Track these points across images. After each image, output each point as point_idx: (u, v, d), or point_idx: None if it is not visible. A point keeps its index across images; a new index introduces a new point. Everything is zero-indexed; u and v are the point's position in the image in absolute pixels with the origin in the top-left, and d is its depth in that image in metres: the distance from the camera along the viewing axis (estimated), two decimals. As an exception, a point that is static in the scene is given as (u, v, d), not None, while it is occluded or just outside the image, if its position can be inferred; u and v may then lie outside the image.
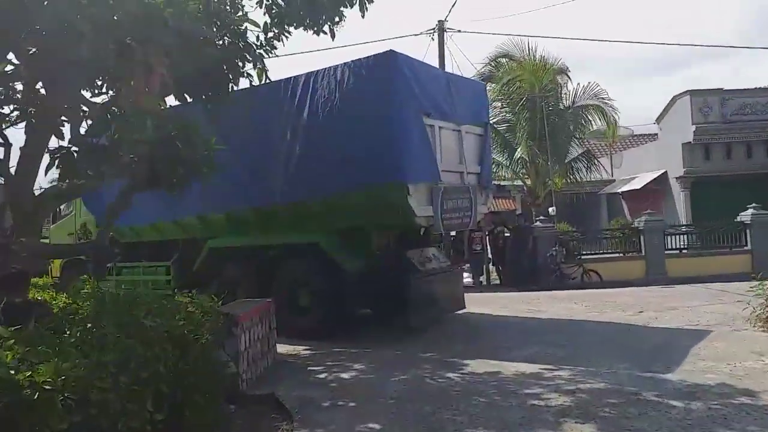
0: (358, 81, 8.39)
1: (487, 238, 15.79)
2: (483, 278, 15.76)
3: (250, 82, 7.22)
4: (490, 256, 16.05)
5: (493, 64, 20.20)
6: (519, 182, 20.62)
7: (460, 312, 10.13)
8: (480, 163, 10.04)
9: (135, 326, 4.01)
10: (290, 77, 9.23)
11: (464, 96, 9.67)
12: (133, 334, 3.90)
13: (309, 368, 7.33)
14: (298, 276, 9.30)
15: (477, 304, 11.53)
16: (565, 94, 19.85)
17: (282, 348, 8.48)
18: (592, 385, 5.80)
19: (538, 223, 15.99)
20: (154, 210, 10.97)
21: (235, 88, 7.21)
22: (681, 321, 9.11)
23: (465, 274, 12.66)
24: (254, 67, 6.83)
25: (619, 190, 26.28)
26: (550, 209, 17.64)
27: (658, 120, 24.67)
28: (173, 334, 4.29)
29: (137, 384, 3.56)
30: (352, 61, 8.53)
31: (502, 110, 19.99)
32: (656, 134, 27.11)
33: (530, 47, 19.29)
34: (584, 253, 16.18)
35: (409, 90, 8.27)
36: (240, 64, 6.67)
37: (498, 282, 15.92)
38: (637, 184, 24.62)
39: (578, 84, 19.71)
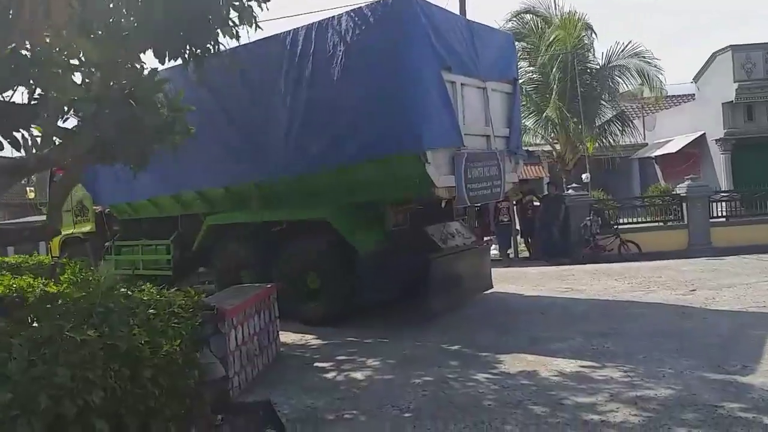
0: (366, 31, 7.22)
1: (515, 207, 14.61)
2: (511, 251, 14.63)
3: (237, 37, 6.14)
4: (518, 227, 14.89)
5: (517, 20, 18.68)
6: (546, 147, 19.23)
7: (487, 292, 9.09)
8: (508, 125, 8.83)
9: (59, 343, 3.02)
10: (289, 31, 8.09)
11: (489, 48, 8.43)
12: (54, 354, 2.92)
13: (316, 364, 6.37)
14: (305, 257, 8.29)
15: (505, 280, 10.46)
16: (601, 53, 18.34)
17: (289, 337, 7.54)
18: (656, 392, 4.71)
19: (570, 191, 14.74)
20: (151, 184, 10.04)
21: (222, 43, 6.17)
22: (744, 302, 7.93)
23: (491, 247, 11.49)
24: (241, 22, 5.77)
25: (653, 155, 24.77)
26: (584, 176, 16.33)
27: (696, 78, 23.00)
28: (120, 349, 3.30)
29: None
30: (358, 7, 7.36)
31: (528, 70, 18.53)
32: (692, 95, 25.52)
33: (556, 2, 17.78)
34: (621, 222, 14.92)
35: (426, 40, 7.08)
36: (225, 13, 5.60)
37: (527, 255, 14.80)
38: (672, 148, 23.10)
39: (616, 42, 18.11)
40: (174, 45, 5.63)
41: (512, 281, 10.76)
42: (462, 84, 7.77)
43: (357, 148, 7.40)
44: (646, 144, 26.26)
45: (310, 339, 7.56)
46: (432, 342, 6.84)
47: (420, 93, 7.01)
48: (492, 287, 9.09)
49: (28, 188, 13.54)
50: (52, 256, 13.35)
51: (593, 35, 17.98)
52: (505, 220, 13.99)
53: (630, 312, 7.77)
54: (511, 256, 14.56)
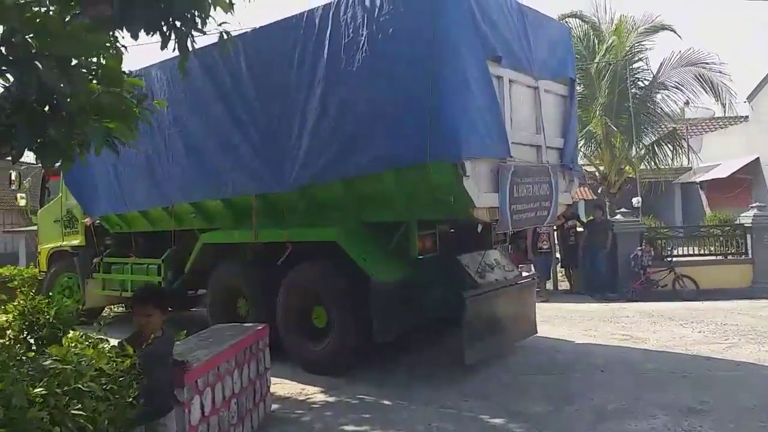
0: (396, 10, 5.78)
1: (555, 233, 12.96)
2: (550, 283, 12.96)
3: (231, 5, 4.76)
4: (558, 255, 13.22)
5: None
6: (588, 167, 17.51)
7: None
8: (563, 134, 7.26)
9: None
10: (302, 13, 6.69)
11: (543, 40, 6.91)
12: None
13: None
14: (310, 287, 6.80)
15: (548, 320, 8.85)
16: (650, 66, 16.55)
17: (286, 387, 6.12)
18: None
19: (618, 216, 13.05)
20: (143, 194, 8.75)
21: (212, 16, 4.81)
22: None
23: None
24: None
25: (698, 180, 22.89)
26: (634, 200, 14.60)
27: (750, 98, 21.24)
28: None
29: None
30: (386, -20, 5.92)
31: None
32: (744, 116, 23.68)
33: (607, 8, 16.15)
34: (675, 254, 13.16)
35: (470, 20, 5.61)
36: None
37: (567, 288, 13.10)
38: (721, 173, 21.23)
39: (672, 52, 16.29)
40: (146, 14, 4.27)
41: (556, 322, 9.13)
42: (511, 80, 6.26)
43: (375, 155, 5.93)
44: (690, 168, 24.35)
45: (313, 393, 6.05)
46: (467, 409, 5.28)
47: (460, 87, 5.52)
48: (536, 332, 7.48)
49: (18, 195, 12.36)
50: (39, 270, 12.12)
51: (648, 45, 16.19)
52: (545, 247, 12.32)
53: (717, 376, 6.10)
54: (550, 288, 12.88)
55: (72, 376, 2.64)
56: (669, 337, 7.90)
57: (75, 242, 10.60)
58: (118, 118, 3.06)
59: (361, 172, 6.13)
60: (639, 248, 12.16)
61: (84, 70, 2.94)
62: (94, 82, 3.06)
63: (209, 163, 7.63)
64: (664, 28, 15.39)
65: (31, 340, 5.40)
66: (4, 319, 5.70)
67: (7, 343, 5.29)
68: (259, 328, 5.22)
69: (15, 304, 5.66)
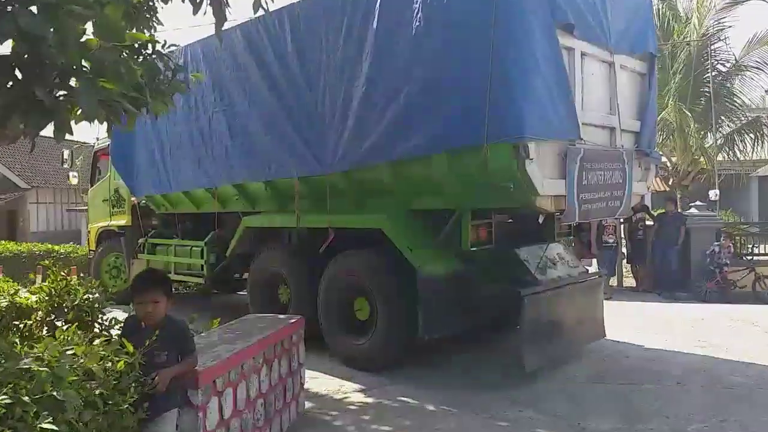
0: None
1: (622, 226, 12.03)
2: (614, 279, 12.07)
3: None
4: (624, 250, 12.28)
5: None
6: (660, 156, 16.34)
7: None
8: (640, 116, 6.49)
9: None
10: (352, -22, 6.14)
11: (621, 9, 6.14)
12: None
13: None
14: (353, 276, 6.31)
15: (615, 321, 8.02)
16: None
17: (323, 384, 5.67)
18: None
19: (693, 210, 12.00)
20: (187, 174, 8.47)
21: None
22: None
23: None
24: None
25: (780, 173, 21.21)
26: (712, 192, 13.41)
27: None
28: None
29: None
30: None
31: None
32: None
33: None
34: (756, 253, 12.02)
35: (537, -17, 4.94)
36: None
37: (633, 285, 12.16)
38: (807, 166, 19.60)
39: (754, 33, 14.86)
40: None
41: (624, 323, 8.32)
42: (583, 53, 5.55)
43: (426, 136, 5.35)
44: (768, 160, 22.55)
45: (351, 392, 5.57)
46: (523, 421, 4.68)
47: (524, 58, 4.86)
48: (604, 335, 6.75)
49: (70, 174, 12.38)
50: (89, 249, 12.14)
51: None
52: (610, 241, 11.41)
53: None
54: (614, 285, 12.00)
55: (48, 381, 2.21)
56: (752, 345, 7.02)
57: (122, 222, 10.48)
58: (118, 80, 2.59)
59: (409, 155, 5.56)
60: (716, 244, 11.13)
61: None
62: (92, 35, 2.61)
63: (252, 143, 7.23)
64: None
65: (59, 323, 5.14)
66: (34, 299, 5.43)
67: (33, 325, 5.06)
68: (293, 320, 4.76)
69: (44, 284, 5.42)
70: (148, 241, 9.87)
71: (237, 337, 4.11)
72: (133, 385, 2.71)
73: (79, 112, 4.16)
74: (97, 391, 2.46)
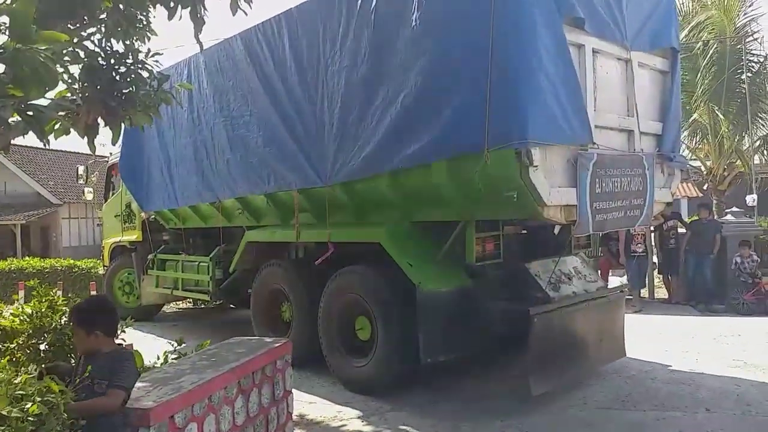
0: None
1: (653, 235, 11.40)
2: (645, 291, 11.43)
3: None
4: (655, 260, 11.63)
5: None
6: (693, 161, 15.59)
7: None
8: (662, 117, 6.00)
9: None
10: (349, -20, 5.83)
11: (640, 3, 5.68)
12: None
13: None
14: (353, 293, 5.94)
15: (641, 336, 7.53)
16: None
17: (320, 409, 5.29)
18: None
19: (729, 217, 11.30)
20: (193, 188, 8.27)
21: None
22: None
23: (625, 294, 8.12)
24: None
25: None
26: (749, 198, 12.64)
27: None
28: None
29: None
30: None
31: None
32: None
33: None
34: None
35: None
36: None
37: (665, 297, 11.49)
38: None
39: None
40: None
41: (651, 338, 7.78)
42: (594, 50, 5.11)
43: (424, 143, 4.97)
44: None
45: (349, 418, 5.20)
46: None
47: (526, 56, 4.46)
48: (624, 355, 6.25)
49: (85, 189, 12.36)
50: (103, 265, 12.06)
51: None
52: (639, 250, 10.79)
53: None
54: (645, 297, 11.37)
55: None
56: (794, 365, 6.42)
57: (133, 237, 10.34)
58: (37, 86, 2.29)
59: (408, 164, 5.20)
60: (737, 254, 10.40)
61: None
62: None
63: (251, 156, 6.97)
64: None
65: (42, 347, 4.90)
66: (18, 321, 5.19)
67: (15, 349, 4.83)
68: (278, 345, 4.41)
69: (26, 305, 5.20)
70: (157, 257, 9.70)
71: (210, 365, 3.78)
72: (58, 429, 2.39)
73: (57, 125, 3.93)
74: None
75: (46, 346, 4.78)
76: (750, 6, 13.74)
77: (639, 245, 10.70)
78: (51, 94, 3.23)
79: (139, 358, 4.13)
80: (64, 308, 5.03)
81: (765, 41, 14.34)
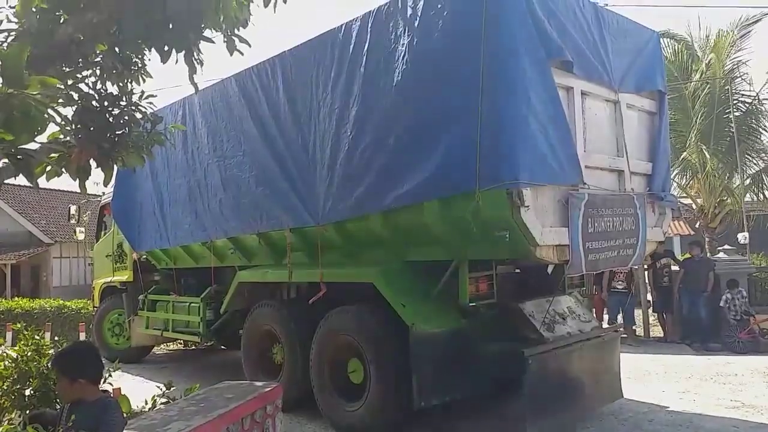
0: (441, 11, 4.90)
1: (646, 273, 11.39)
2: (641, 330, 11.34)
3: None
4: (649, 299, 11.60)
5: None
6: (684, 198, 15.71)
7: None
8: (651, 157, 6.06)
9: None
10: (340, 25, 5.94)
11: (626, 46, 5.80)
12: None
13: None
14: (345, 334, 5.87)
15: (637, 376, 7.45)
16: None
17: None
18: None
19: (721, 254, 11.34)
20: (185, 228, 8.23)
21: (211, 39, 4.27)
22: None
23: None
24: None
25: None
26: (741, 235, 12.72)
27: None
28: None
29: None
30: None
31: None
32: None
33: (700, 24, 14.57)
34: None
35: (527, 18, 4.61)
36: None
37: (661, 335, 11.41)
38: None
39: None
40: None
41: (646, 378, 7.71)
42: (583, 93, 5.20)
43: (415, 184, 5.00)
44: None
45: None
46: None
47: (515, 98, 4.52)
48: (622, 396, 6.17)
49: (77, 229, 12.28)
50: (93, 306, 11.91)
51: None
52: (620, 287, 10.73)
53: None
54: (641, 336, 11.28)
55: None
56: (792, 407, 6.35)
57: (124, 278, 10.24)
58: (22, 130, 2.29)
59: (399, 204, 5.20)
60: (727, 292, 10.37)
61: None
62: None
63: (244, 195, 6.98)
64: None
65: (27, 392, 4.79)
66: (3, 366, 5.08)
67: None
68: (268, 389, 4.32)
69: (11, 348, 5.11)
70: (147, 298, 9.60)
71: (198, 411, 3.70)
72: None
73: (48, 168, 3.92)
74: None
75: (31, 392, 4.70)
76: (738, 50, 14.07)
77: (620, 282, 10.69)
78: (43, 137, 3.24)
79: (126, 402, 4.04)
80: (50, 352, 4.96)
81: (750, 79, 14.45)
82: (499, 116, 4.53)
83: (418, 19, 5.06)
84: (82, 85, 4.33)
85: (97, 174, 4.36)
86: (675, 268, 11.24)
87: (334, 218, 5.85)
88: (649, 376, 7.89)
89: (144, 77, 4.83)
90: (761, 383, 7.48)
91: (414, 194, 5.04)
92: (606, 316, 10.89)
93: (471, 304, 5.24)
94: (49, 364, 4.57)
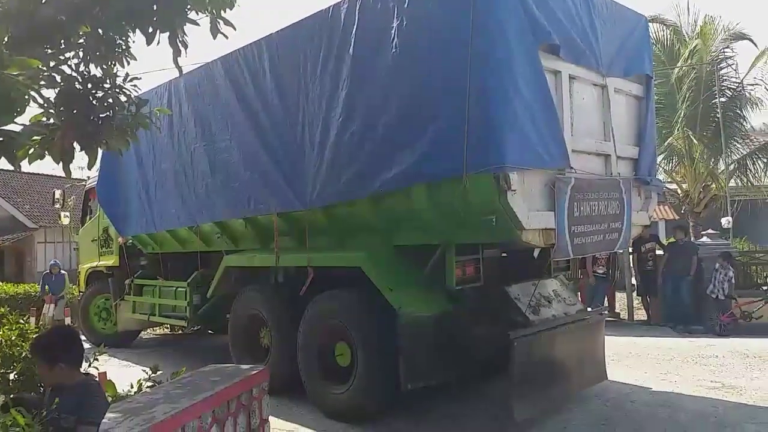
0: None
1: (631, 257, 11.51)
2: (626, 313, 11.48)
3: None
4: (634, 282, 11.73)
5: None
6: (670, 184, 15.83)
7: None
8: (638, 141, 6.10)
9: None
10: (328, 8, 5.88)
11: (614, 30, 5.80)
12: None
13: None
14: (332, 318, 5.89)
15: (620, 358, 7.56)
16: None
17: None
18: None
19: (705, 239, 11.47)
20: (171, 213, 8.17)
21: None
22: None
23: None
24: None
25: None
26: (724, 220, 12.88)
27: None
28: None
29: None
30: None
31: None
32: None
33: (690, 10, 14.63)
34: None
35: (519, 7, 4.59)
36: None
37: (645, 318, 11.57)
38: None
39: (762, 51, 14.52)
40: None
41: (630, 361, 7.82)
42: (571, 76, 5.20)
43: (403, 168, 4.99)
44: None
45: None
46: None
47: (503, 82, 4.51)
48: (606, 378, 6.26)
49: (62, 214, 12.17)
50: (79, 291, 11.84)
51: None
52: (600, 272, 10.87)
53: None
54: (625, 319, 11.41)
55: None
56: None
57: (110, 262, 10.18)
58: (1, 111, 2.26)
59: (387, 188, 5.20)
60: (718, 264, 10.48)
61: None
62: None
63: (231, 179, 6.94)
64: (743, 37, 13.76)
65: (11, 376, 4.77)
66: (-13, 351, 5.05)
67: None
68: (254, 372, 4.33)
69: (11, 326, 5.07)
70: (134, 282, 9.56)
71: (184, 394, 3.70)
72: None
73: (31, 150, 3.87)
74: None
75: (15, 376, 4.67)
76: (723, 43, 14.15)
77: (600, 267, 10.80)
78: (26, 119, 3.20)
79: (112, 386, 4.04)
80: (34, 336, 4.93)
81: (737, 66, 14.55)
82: (487, 101, 4.52)
83: (407, 1, 5.02)
84: (64, 67, 4.26)
85: (81, 158, 4.31)
86: (660, 252, 11.36)
87: (322, 202, 5.84)
88: (633, 358, 8.01)
89: (128, 59, 4.78)
90: (741, 365, 7.61)
91: (402, 178, 5.04)
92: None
93: (458, 288, 5.27)
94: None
